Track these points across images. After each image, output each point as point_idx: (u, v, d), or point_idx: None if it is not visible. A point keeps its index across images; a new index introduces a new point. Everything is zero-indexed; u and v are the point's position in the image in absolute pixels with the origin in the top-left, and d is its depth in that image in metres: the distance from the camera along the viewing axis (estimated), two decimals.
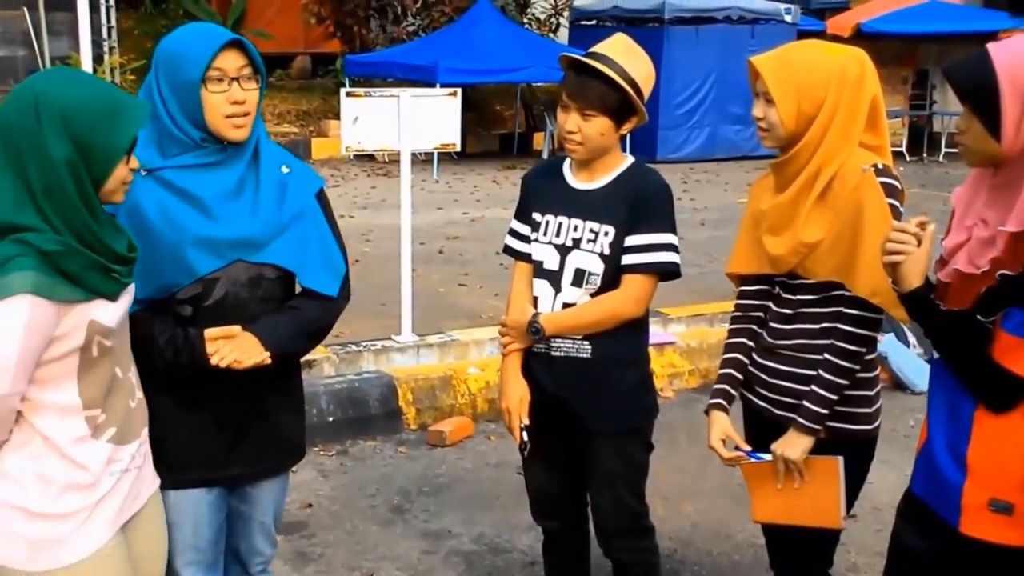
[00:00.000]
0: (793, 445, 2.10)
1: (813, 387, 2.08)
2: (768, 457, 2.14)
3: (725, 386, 2.25)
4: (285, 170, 2.03)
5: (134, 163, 1.70)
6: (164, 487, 1.98)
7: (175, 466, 2.00)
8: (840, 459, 2.08)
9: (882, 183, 2.01)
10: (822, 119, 2.01)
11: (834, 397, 2.07)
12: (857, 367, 2.07)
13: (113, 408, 1.74)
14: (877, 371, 2.18)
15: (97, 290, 1.65)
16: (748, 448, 2.20)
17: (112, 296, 1.68)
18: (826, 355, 2.07)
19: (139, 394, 1.83)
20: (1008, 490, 1.73)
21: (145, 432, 1.85)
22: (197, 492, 2.04)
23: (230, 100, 1.89)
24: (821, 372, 2.07)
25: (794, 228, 2.07)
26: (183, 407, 1.99)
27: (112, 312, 1.69)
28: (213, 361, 1.90)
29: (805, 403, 2.09)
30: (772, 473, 2.14)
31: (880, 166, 2.03)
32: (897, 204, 2.02)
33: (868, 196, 2.00)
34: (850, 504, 2.17)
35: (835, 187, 2.03)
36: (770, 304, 2.20)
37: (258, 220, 1.96)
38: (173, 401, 1.98)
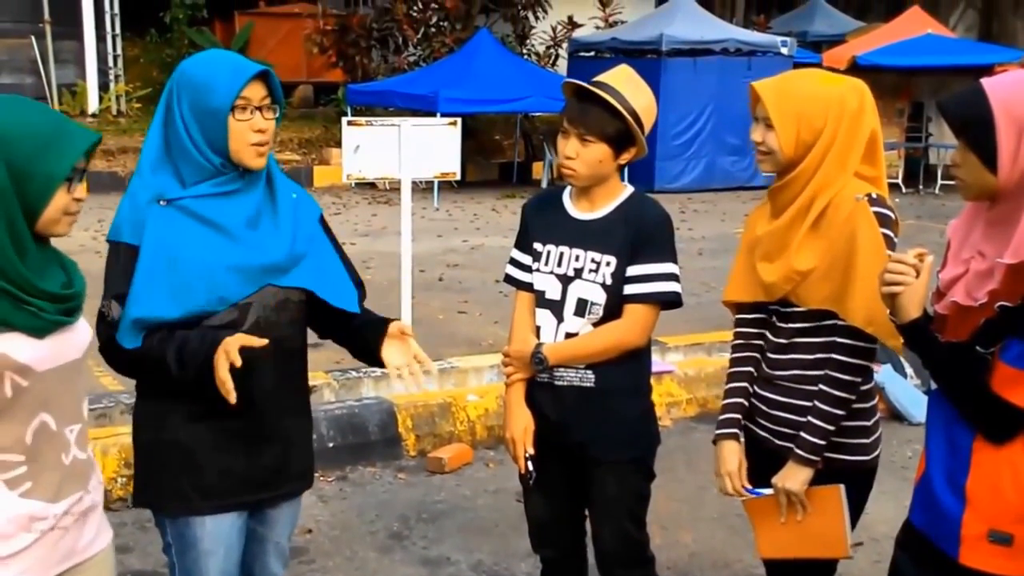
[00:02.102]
0: (793, 477, 2.09)
1: (810, 418, 2.08)
2: (769, 492, 2.14)
3: (735, 415, 2.24)
4: (294, 196, 2.10)
5: (80, 192, 1.65)
6: (198, 514, 2.01)
7: (210, 492, 2.02)
8: (841, 487, 2.07)
9: (876, 213, 2.03)
10: (819, 147, 2.04)
11: (831, 428, 2.07)
12: (853, 397, 2.07)
13: (38, 460, 1.64)
14: (874, 401, 2.18)
15: (6, 321, 1.56)
16: (748, 485, 2.20)
17: (32, 332, 1.60)
18: (821, 386, 2.08)
19: (80, 453, 1.72)
20: (1008, 521, 1.72)
21: (83, 493, 1.74)
22: (230, 517, 2.06)
23: (253, 128, 1.94)
24: (817, 403, 2.08)
25: (787, 255, 2.08)
26: (215, 432, 2.01)
27: (32, 350, 1.59)
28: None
29: (802, 434, 2.09)
30: (775, 508, 2.14)
31: (874, 196, 2.05)
32: (891, 234, 2.04)
33: (861, 225, 2.01)
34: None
35: (829, 215, 2.05)
36: (767, 333, 2.21)
37: (283, 245, 2.02)
38: (206, 427, 2.00)
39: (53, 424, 1.66)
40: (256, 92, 1.95)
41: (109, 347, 1.95)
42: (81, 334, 1.73)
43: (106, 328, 1.94)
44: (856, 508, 2.15)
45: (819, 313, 2.08)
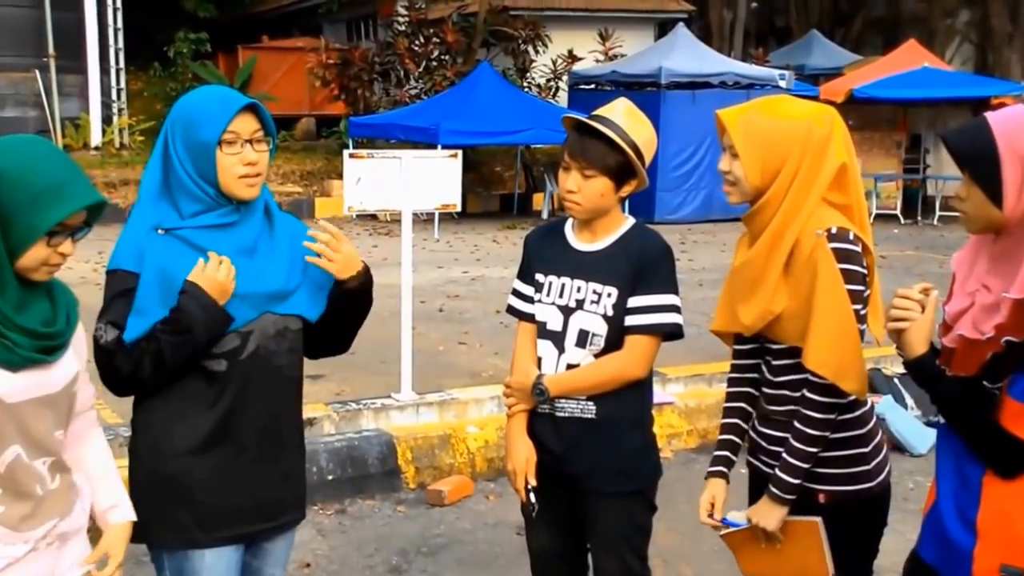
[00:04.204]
0: (767, 515, 2.08)
1: (783, 455, 2.06)
2: (744, 523, 2.13)
3: (725, 452, 2.24)
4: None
5: (67, 248, 1.67)
6: (198, 547, 2.00)
7: (210, 524, 2.01)
8: (819, 521, 2.05)
9: (834, 249, 1.99)
10: (785, 175, 2.01)
11: (804, 465, 2.04)
12: (825, 434, 2.04)
13: (11, 490, 1.66)
14: (870, 426, 2.13)
15: None
16: (723, 516, 2.19)
17: (5, 365, 1.61)
18: (795, 423, 2.05)
19: (52, 484, 1.74)
20: (1019, 555, 1.71)
21: (58, 519, 1.75)
22: (229, 550, 2.05)
23: (243, 162, 1.96)
24: (791, 440, 2.05)
25: (762, 293, 2.06)
26: (214, 464, 2.01)
27: (2, 382, 1.61)
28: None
29: (778, 472, 2.07)
30: (753, 538, 2.13)
31: (834, 230, 1.99)
32: (853, 267, 1.99)
33: (820, 264, 1.98)
34: (868, 566, 2.13)
35: (794, 253, 2.03)
36: (763, 366, 2.19)
37: (282, 273, 2.04)
38: (204, 459, 2.00)
39: (25, 456, 1.68)
40: (246, 125, 1.97)
41: (108, 371, 1.95)
42: (62, 369, 1.72)
43: (100, 352, 1.94)
44: (870, 536, 2.12)
45: (798, 350, 2.05)
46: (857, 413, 2.09)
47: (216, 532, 2.02)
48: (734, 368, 2.26)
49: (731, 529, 2.18)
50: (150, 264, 1.94)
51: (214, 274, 1.92)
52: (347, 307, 2.11)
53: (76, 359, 1.78)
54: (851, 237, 2.01)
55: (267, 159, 2.01)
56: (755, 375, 2.22)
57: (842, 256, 1.99)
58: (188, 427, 1.99)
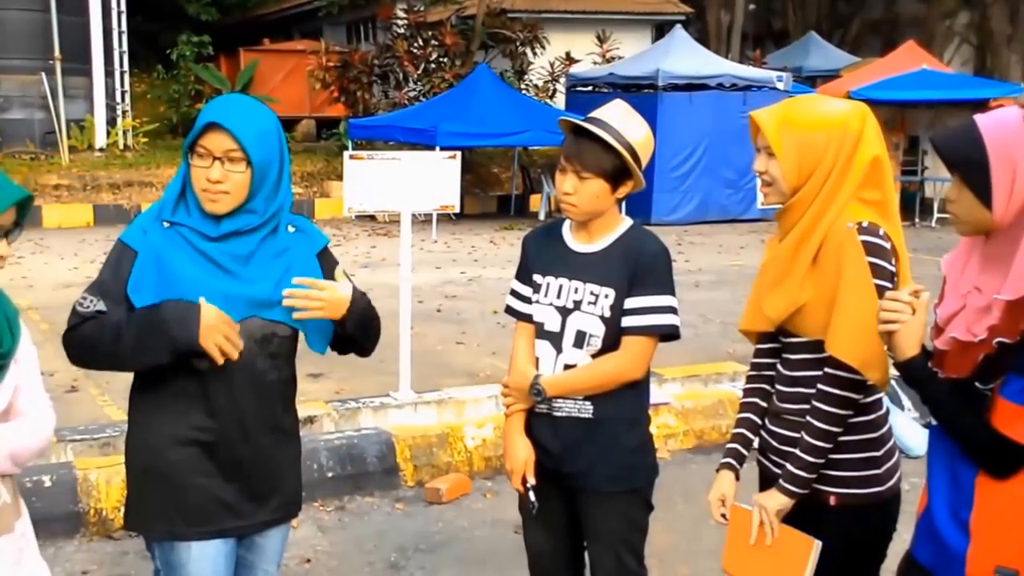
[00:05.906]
0: (770, 499, 2.09)
1: (796, 449, 2.07)
2: (748, 505, 2.14)
3: (736, 446, 2.24)
4: (291, 229, 2.14)
5: (2, 248, 1.67)
6: (182, 539, 2.03)
7: (193, 518, 2.04)
8: (818, 544, 2.03)
9: (864, 242, 1.99)
10: (820, 172, 2.02)
11: (815, 460, 2.05)
12: (839, 430, 2.04)
13: None
14: (884, 430, 2.12)
15: None
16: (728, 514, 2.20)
17: None
18: (809, 417, 2.06)
19: (8, 497, 1.74)
20: (1013, 557, 1.71)
21: (9, 535, 1.75)
22: (215, 543, 2.08)
23: (205, 177, 2.00)
24: (803, 434, 2.06)
25: (786, 284, 2.07)
26: (198, 460, 2.04)
27: None
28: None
29: (788, 465, 2.08)
30: (746, 533, 2.13)
31: (865, 224, 2.00)
32: (882, 263, 1.99)
33: (848, 255, 1.99)
34: (875, 571, 2.13)
35: (823, 245, 2.04)
36: (779, 365, 2.19)
37: (271, 282, 2.06)
38: (190, 453, 2.04)
39: None
40: (216, 143, 1.99)
41: (70, 333, 2.00)
42: (7, 385, 1.71)
43: (74, 316, 1.99)
44: (878, 541, 2.11)
45: (819, 344, 2.06)
46: (870, 417, 2.09)
47: (199, 526, 2.05)
48: (753, 366, 2.26)
49: (736, 504, 2.19)
50: (148, 248, 2.01)
51: (220, 323, 1.94)
52: (354, 335, 2.15)
53: (16, 368, 1.77)
54: (881, 233, 2.02)
55: (241, 179, 1.99)
56: (772, 373, 2.21)
57: (870, 249, 1.99)
58: (171, 423, 2.04)
